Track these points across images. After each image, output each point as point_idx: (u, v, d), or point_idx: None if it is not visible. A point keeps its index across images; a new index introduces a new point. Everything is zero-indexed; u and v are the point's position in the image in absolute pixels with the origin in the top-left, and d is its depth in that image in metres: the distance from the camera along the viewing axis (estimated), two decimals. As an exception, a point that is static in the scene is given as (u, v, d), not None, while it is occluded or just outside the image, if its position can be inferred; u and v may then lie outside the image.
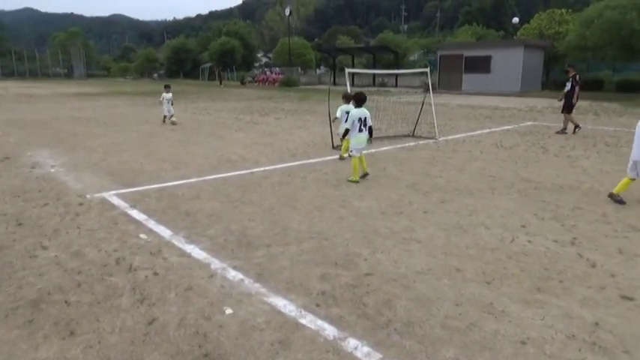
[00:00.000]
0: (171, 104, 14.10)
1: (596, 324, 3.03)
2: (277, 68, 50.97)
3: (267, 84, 44.50)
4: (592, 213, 5.32)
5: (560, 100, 12.28)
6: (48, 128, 13.02)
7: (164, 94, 14.12)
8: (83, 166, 8.02)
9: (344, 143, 8.16)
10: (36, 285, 3.60)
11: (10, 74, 63.44)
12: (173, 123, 13.87)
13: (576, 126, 11.81)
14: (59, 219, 5.16)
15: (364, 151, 7.19)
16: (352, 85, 9.74)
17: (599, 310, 3.20)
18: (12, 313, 3.19)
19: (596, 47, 24.90)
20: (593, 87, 28.55)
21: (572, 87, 12.01)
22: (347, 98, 7.94)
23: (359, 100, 7.05)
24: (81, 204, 5.72)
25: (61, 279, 3.70)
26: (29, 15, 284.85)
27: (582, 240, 4.49)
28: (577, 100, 12.10)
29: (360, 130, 6.91)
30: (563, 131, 11.86)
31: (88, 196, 6.09)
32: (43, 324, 3.06)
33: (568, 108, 11.95)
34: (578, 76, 12.06)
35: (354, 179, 6.86)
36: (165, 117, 14.19)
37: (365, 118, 6.93)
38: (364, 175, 7.08)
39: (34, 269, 3.88)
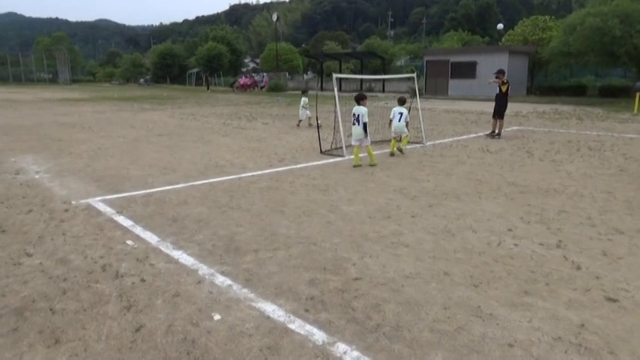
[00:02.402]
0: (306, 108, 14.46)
1: (582, 325, 3.07)
2: (264, 74, 50.91)
3: (246, 90, 44.24)
4: (577, 216, 5.40)
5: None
6: (32, 134, 12.85)
7: (303, 99, 14.59)
8: (68, 172, 7.93)
9: (403, 140, 9.58)
10: (20, 293, 3.54)
11: (-7, 79, 62.57)
12: (311, 125, 13.89)
13: (493, 131, 12.13)
14: (44, 225, 5.09)
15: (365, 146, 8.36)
16: (340, 90, 9.80)
17: (584, 312, 3.24)
18: (-5, 322, 3.13)
19: (579, 53, 25.27)
20: (577, 92, 29.09)
21: (500, 91, 12.25)
22: (401, 102, 9.72)
23: (355, 99, 8.48)
24: (66, 210, 5.65)
25: (46, 286, 3.64)
26: (13, 19, 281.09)
27: (567, 243, 4.55)
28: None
29: (354, 124, 8.32)
30: (492, 134, 12.12)
31: (73, 202, 6.01)
32: (28, 332, 3.01)
33: (499, 113, 12.15)
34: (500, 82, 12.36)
35: (355, 164, 8.24)
36: (300, 121, 14.64)
37: (358, 114, 8.22)
38: (356, 166, 8.21)
39: (19, 277, 3.81)
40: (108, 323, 3.11)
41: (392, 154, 9.37)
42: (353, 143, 8.48)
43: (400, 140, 9.55)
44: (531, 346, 2.84)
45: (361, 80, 37.88)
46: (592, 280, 3.75)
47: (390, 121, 9.60)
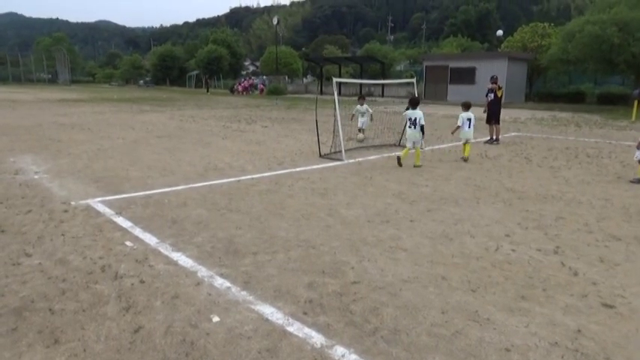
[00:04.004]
0: (363, 116, 12.37)
1: (579, 331, 3.09)
2: (264, 77, 50.98)
3: (244, 93, 44.39)
4: (574, 222, 5.42)
5: (485, 111, 12.52)
6: (31, 134, 12.85)
7: (359, 107, 12.51)
8: (68, 172, 7.94)
9: (466, 147, 9.66)
10: (19, 293, 3.55)
11: (-8, 79, 62.56)
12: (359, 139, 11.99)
13: (491, 137, 12.19)
14: (43, 226, 5.09)
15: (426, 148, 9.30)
16: (339, 94, 9.82)
17: (581, 318, 3.26)
18: (-6, 321, 3.13)
19: (577, 60, 25.39)
20: (575, 99, 29.22)
21: (495, 97, 12.34)
22: (467, 106, 9.81)
23: (412, 103, 8.79)
24: (65, 211, 5.65)
25: (45, 287, 3.65)
26: (13, 19, 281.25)
27: (565, 249, 4.58)
28: (486, 111, 12.45)
29: (410, 127, 8.69)
30: (491, 141, 12.16)
31: (72, 202, 6.02)
32: (27, 332, 3.02)
33: (495, 118, 12.23)
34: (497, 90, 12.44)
35: (399, 160, 8.61)
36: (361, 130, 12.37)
37: (415, 118, 8.59)
38: (417, 166, 8.70)
39: (18, 277, 3.82)
40: (107, 324, 3.12)
41: (466, 160, 9.45)
42: (408, 145, 8.78)
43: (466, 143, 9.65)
44: (528, 351, 2.86)
45: (361, 84, 37.94)
46: (589, 286, 3.77)
47: (458, 127, 9.70)
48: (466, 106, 9.83)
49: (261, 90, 44.66)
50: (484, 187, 7.14)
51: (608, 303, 3.48)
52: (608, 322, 3.22)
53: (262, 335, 3.00)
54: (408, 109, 8.98)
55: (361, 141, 11.86)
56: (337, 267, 4.08)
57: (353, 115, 12.63)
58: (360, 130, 12.25)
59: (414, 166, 8.63)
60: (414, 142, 8.68)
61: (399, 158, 8.61)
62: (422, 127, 8.59)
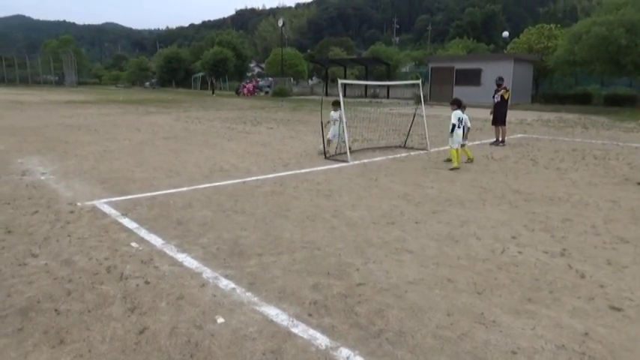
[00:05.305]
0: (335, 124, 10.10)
1: (586, 334, 3.06)
2: (269, 79, 51.08)
3: (248, 95, 44.60)
4: (581, 224, 5.38)
5: (491, 113, 12.45)
6: (38, 135, 12.94)
7: (333, 113, 10.14)
8: (74, 173, 7.98)
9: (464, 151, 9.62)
10: (25, 293, 3.56)
11: (0, 81, 63.07)
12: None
13: (497, 139, 12.16)
14: (49, 227, 5.12)
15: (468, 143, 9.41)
16: (344, 96, 9.79)
17: (588, 321, 3.23)
18: (1, 321, 3.15)
19: (584, 62, 25.24)
20: (582, 101, 29.07)
21: (502, 99, 12.28)
22: (459, 105, 9.51)
23: (462, 106, 9.17)
24: (71, 212, 5.68)
25: (51, 287, 3.66)
26: (21, 22, 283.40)
27: (572, 251, 4.54)
28: (492, 113, 12.38)
29: (459, 127, 8.92)
30: (497, 142, 12.12)
31: (78, 203, 6.05)
32: (33, 332, 3.03)
33: (502, 120, 12.18)
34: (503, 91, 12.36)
35: (455, 166, 8.65)
36: (329, 141, 10.11)
37: (464, 119, 9.04)
38: (469, 160, 9.34)
39: (24, 277, 3.84)
40: (112, 325, 3.13)
41: (472, 160, 9.46)
42: (455, 146, 8.83)
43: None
44: (534, 354, 2.83)
45: (366, 86, 37.97)
46: (596, 288, 3.74)
47: (454, 126, 9.35)
48: (460, 105, 9.26)
49: (249, 90, 44.91)
50: (490, 189, 7.11)
51: (616, 306, 3.45)
52: (616, 324, 3.19)
53: (267, 337, 3.00)
54: (450, 118, 8.97)
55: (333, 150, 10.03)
56: (342, 269, 4.07)
57: (328, 122, 10.16)
58: (329, 143, 10.04)
59: (468, 161, 9.15)
60: (460, 142, 8.95)
61: (456, 168, 8.60)
62: (452, 127, 8.79)
